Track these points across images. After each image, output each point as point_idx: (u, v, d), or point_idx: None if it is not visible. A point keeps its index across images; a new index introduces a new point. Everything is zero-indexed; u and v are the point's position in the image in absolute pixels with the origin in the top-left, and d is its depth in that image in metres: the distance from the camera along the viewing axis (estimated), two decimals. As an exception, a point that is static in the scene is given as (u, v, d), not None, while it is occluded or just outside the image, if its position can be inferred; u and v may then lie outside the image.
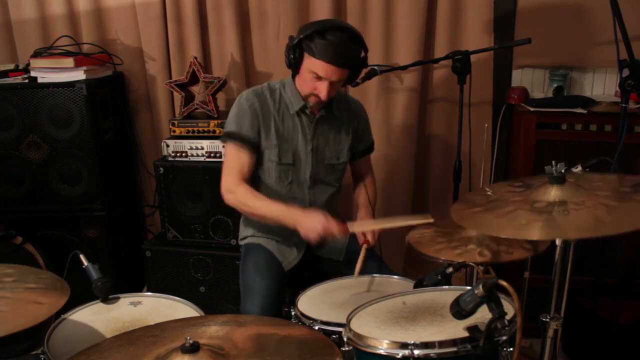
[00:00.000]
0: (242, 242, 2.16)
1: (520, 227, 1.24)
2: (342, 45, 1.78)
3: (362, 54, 1.88)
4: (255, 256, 2.01)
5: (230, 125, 1.95)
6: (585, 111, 2.41)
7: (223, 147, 1.97)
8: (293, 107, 1.95)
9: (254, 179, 2.02)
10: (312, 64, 1.81)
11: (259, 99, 1.94)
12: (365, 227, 1.92)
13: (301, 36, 1.80)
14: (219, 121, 2.49)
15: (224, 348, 1.12)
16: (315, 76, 1.82)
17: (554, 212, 1.25)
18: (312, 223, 1.78)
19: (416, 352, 1.24)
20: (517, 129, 2.58)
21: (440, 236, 1.78)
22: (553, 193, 1.31)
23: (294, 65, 1.86)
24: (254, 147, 1.94)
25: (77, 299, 1.62)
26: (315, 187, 2.04)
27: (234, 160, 1.94)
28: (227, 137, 1.95)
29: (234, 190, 1.92)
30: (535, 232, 1.21)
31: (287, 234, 2.05)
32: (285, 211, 1.86)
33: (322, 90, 1.83)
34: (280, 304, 1.84)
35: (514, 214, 1.29)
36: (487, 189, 1.49)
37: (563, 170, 1.33)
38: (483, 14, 2.54)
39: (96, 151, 2.57)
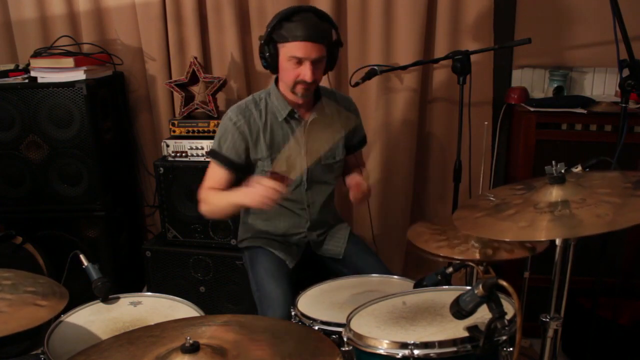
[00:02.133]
0: (241, 245, 2.16)
1: (524, 228, 1.23)
2: (310, 21, 1.79)
3: (334, 34, 1.87)
4: (265, 262, 2.02)
5: (214, 143, 1.98)
6: (585, 111, 2.41)
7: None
8: (281, 114, 1.95)
9: None
10: (288, 50, 1.80)
11: (244, 116, 1.93)
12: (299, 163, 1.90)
13: (268, 29, 1.82)
14: (219, 121, 2.48)
15: (224, 348, 1.12)
16: (296, 61, 1.81)
17: (556, 212, 1.24)
18: (251, 194, 1.77)
19: (416, 352, 1.24)
20: (517, 129, 2.58)
21: (440, 234, 1.78)
22: (555, 193, 1.30)
23: (272, 62, 1.86)
24: (234, 166, 1.96)
25: (77, 299, 1.62)
26: (313, 188, 2.04)
27: (211, 176, 1.98)
28: (209, 154, 2.01)
29: (202, 198, 1.97)
30: (541, 233, 1.21)
31: (286, 234, 2.06)
32: (237, 195, 1.87)
33: (306, 72, 1.81)
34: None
35: (517, 216, 1.29)
36: (489, 194, 1.48)
37: (563, 170, 1.33)
38: (483, 14, 2.54)
39: (96, 151, 2.56)
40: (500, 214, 1.33)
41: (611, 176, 1.41)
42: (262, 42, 1.86)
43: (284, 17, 1.80)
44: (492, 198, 1.44)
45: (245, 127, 1.93)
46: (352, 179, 2.02)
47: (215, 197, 1.94)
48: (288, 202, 2.02)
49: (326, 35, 1.83)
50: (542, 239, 1.25)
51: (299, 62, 1.81)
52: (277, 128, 1.96)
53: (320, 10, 1.86)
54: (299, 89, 1.87)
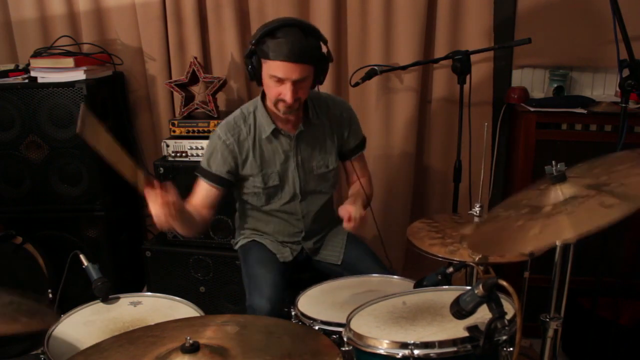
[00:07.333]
0: (237, 247, 2.16)
1: (544, 234, 1.13)
2: (294, 40, 1.68)
3: (323, 47, 1.78)
4: (255, 251, 2.02)
5: (203, 160, 1.93)
6: (585, 111, 2.41)
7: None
8: (265, 131, 1.90)
9: (245, 205, 2.03)
10: (269, 68, 1.73)
11: (233, 133, 1.89)
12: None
13: (252, 42, 1.74)
14: (219, 121, 2.47)
15: (224, 348, 1.12)
16: (276, 79, 1.73)
17: (567, 209, 1.16)
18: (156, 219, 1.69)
19: (416, 352, 1.24)
20: (517, 129, 2.58)
21: (436, 231, 1.77)
22: (560, 192, 1.25)
23: (255, 75, 1.79)
24: (223, 182, 1.91)
25: (77, 299, 1.62)
26: (307, 199, 2.02)
27: (196, 192, 1.91)
28: (198, 172, 1.93)
29: None
30: (568, 231, 1.10)
31: (278, 236, 2.07)
32: None
33: (286, 93, 1.73)
34: (284, 296, 1.84)
35: (528, 224, 1.19)
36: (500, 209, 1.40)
37: (563, 170, 1.32)
38: (483, 14, 2.54)
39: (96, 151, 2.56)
40: (511, 227, 1.23)
41: (610, 160, 1.35)
42: (245, 55, 1.77)
43: (268, 33, 1.70)
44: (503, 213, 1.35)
45: (234, 145, 1.89)
46: (343, 209, 1.83)
47: None
48: (283, 213, 2.01)
49: (309, 54, 1.73)
50: (569, 237, 1.16)
51: (280, 81, 1.73)
52: (265, 144, 1.92)
53: (307, 25, 1.76)
54: (281, 106, 1.79)
